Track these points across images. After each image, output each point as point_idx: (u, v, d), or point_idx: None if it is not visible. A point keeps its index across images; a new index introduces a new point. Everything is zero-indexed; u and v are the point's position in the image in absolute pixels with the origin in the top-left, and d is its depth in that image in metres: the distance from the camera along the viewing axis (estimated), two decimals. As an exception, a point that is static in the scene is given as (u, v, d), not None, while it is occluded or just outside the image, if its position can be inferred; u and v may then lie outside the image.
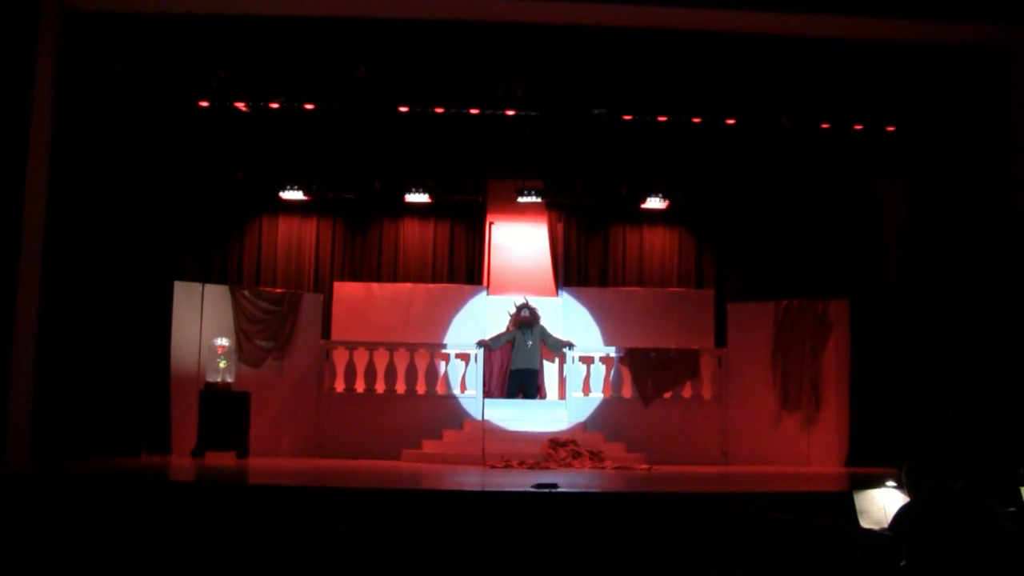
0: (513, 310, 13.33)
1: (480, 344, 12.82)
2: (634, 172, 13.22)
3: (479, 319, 13.60)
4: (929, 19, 10.61)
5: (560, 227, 14.39)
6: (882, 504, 5.92)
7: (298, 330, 12.66)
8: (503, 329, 13.31)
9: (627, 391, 12.82)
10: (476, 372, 12.79)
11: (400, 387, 12.68)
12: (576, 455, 11.55)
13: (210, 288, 12.37)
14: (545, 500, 7.69)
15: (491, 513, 7.46)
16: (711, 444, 12.62)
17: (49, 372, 10.14)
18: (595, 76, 11.46)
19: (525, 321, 13.12)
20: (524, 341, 13.06)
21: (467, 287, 14.11)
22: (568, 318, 13.68)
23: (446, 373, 12.84)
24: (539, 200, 13.53)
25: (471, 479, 9.56)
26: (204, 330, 12.07)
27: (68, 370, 10.45)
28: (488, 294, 13.85)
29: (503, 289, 13.95)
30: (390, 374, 12.66)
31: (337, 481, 9.04)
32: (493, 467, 11.10)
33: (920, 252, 11.94)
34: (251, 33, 10.87)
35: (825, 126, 12.26)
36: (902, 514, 5.49)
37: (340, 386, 12.65)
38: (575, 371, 12.95)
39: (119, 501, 7.50)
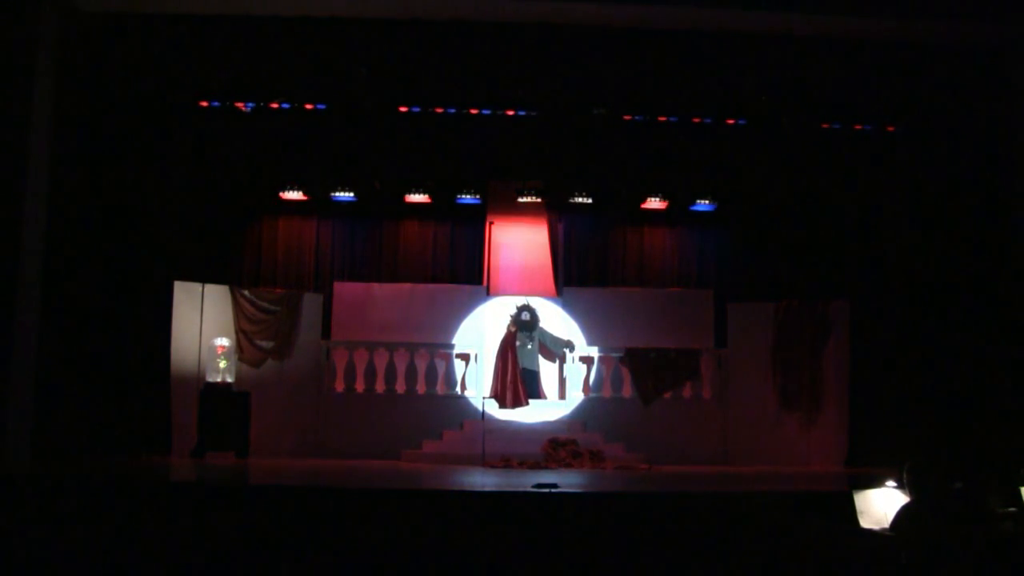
0: (514, 311, 13.28)
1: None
2: (634, 172, 13.21)
3: (478, 319, 13.59)
4: (929, 19, 10.62)
5: (560, 227, 14.37)
6: (882, 504, 5.91)
7: (298, 330, 12.66)
8: (502, 330, 13.24)
9: (627, 391, 12.82)
10: (476, 372, 12.79)
11: (400, 387, 12.69)
12: (576, 455, 11.55)
13: (210, 288, 12.36)
14: (545, 500, 7.69)
15: (491, 513, 7.46)
16: (711, 444, 12.63)
17: (49, 372, 10.15)
18: (595, 76, 11.46)
19: (525, 324, 13.09)
20: (524, 343, 13.06)
21: (467, 287, 14.09)
22: (568, 318, 13.65)
23: (445, 373, 12.84)
24: (539, 200, 13.53)
25: (471, 479, 9.56)
26: (204, 330, 12.07)
27: (68, 370, 10.46)
28: (488, 294, 13.84)
29: (503, 289, 13.93)
30: (390, 374, 12.66)
31: (337, 481, 9.04)
32: (493, 467, 11.10)
33: (920, 252, 11.95)
34: (251, 33, 10.87)
35: (825, 126, 12.26)
36: (902, 514, 5.49)
37: (340, 386, 12.65)
38: (575, 371, 12.95)
39: (119, 501, 7.50)
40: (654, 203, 13.69)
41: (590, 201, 13.84)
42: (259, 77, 11.51)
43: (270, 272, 14.15)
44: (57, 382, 10.26)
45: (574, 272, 14.35)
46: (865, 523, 5.88)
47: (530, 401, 12.75)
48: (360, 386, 12.67)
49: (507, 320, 13.19)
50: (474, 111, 12.04)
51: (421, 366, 12.76)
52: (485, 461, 11.28)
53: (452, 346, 13.08)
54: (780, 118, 11.99)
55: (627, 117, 12.22)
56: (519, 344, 13.01)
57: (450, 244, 14.53)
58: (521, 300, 13.38)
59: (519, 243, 14.42)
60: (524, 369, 13.01)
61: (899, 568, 5.20)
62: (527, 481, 8.69)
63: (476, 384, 12.78)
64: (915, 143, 12.08)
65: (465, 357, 12.89)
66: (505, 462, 11.24)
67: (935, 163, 11.82)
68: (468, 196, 13.69)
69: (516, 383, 12.75)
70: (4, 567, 6.93)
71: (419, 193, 13.40)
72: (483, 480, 9.56)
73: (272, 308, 12.58)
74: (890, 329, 12.19)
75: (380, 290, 13.84)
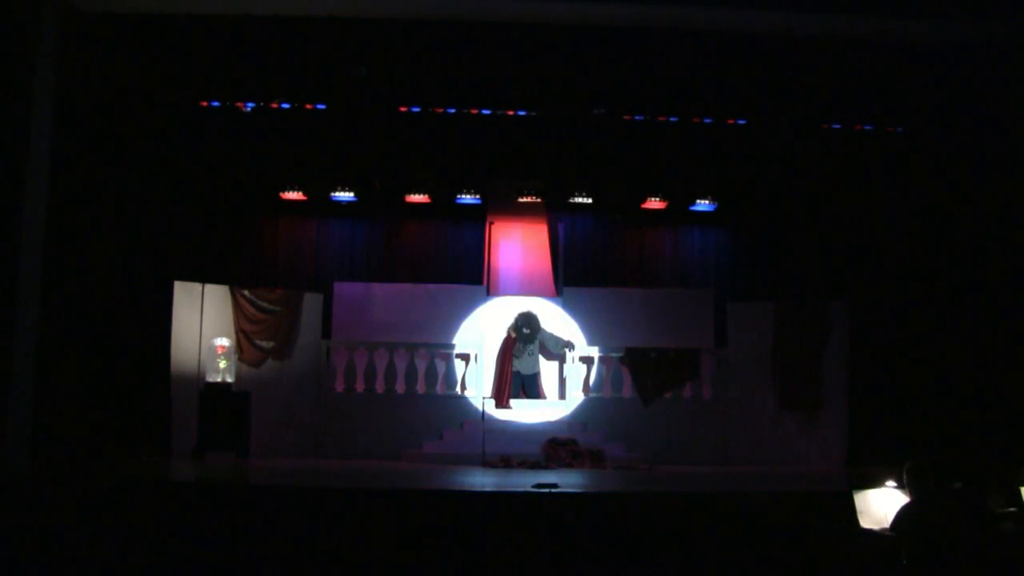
0: (514, 319, 13.19)
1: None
2: (634, 172, 13.22)
3: (478, 319, 13.58)
4: (929, 19, 10.61)
5: (560, 227, 14.38)
6: (882, 504, 5.92)
7: (298, 330, 12.66)
8: (503, 331, 13.21)
9: (627, 391, 12.82)
10: (476, 372, 12.79)
11: (400, 387, 12.68)
12: (576, 455, 11.55)
13: (210, 288, 12.36)
14: (545, 500, 7.69)
15: (491, 513, 7.46)
16: (711, 444, 12.61)
17: (49, 372, 10.15)
18: (595, 76, 11.47)
19: (525, 337, 13.04)
20: (524, 347, 13.05)
21: (467, 287, 14.08)
22: (568, 318, 13.65)
23: (445, 373, 12.84)
24: (539, 200, 13.53)
25: (471, 479, 9.56)
26: (204, 330, 12.06)
27: (68, 370, 10.45)
28: (488, 294, 13.84)
29: (503, 289, 13.93)
30: (390, 374, 12.66)
31: (337, 481, 9.04)
32: (493, 467, 11.10)
33: (920, 252, 11.95)
34: (251, 33, 10.87)
35: (825, 126, 12.27)
36: (902, 514, 5.49)
37: (340, 386, 12.65)
38: (575, 371, 12.95)
39: (119, 501, 7.50)
40: (654, 203, 13.70)
41: (590, 201, 13.86)
42: (259, 77, 11.51)
43: (270, 272, 14.15)
44: (57, 382, 10.25)
45: (574, 272, 14.35)
46: (865, 523, 5.88)
47: (512, 404, 12.71)
48: (360, 386, 12.67)
49: (508, 322, 13.17)
50: (474, 111, 12.04)
51: (421, 366, 12.76)
52: (485, 461, 11.28)
53: (452, 346, 13.07)
54: (780, 118, 11.99)
55: (627, 117, 12.23)
56: (515, 353, 12.99)
57: (450, 244, 14.54)
58: (522, 307, 13.24)
59: (519, 243, 14.43)
60: (520, 374, 12.98)
61: (899, 568, 5.20)
62: (527, 481, 8.69)
63: (476, 384, 12.77)
64: (916, 143, 12.08)
65: (465, 357, 12.88)
66: (505, 462, 11.24)
67: (936, 163, 11.82)
68: (468, 196, 13.71)
69: (506, 385, 12.77)
70: (4, 567, 6.93)
71: (419, 193, 13.42)
72: (483, 480, 9.56)
73: (272, 308, 12.58)
74: (890, 329, 12.19)
75: (380, 290, 13.83)
